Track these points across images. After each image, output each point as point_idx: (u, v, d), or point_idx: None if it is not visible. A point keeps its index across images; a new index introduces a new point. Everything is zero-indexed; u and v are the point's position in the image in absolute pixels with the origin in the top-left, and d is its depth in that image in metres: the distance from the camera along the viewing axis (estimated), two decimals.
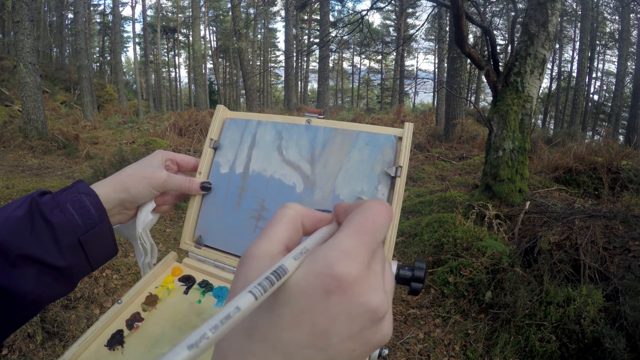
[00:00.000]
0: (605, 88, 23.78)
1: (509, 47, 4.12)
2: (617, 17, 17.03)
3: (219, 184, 0.64)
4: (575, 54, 18.94)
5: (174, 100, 33.10)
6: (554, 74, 21.88)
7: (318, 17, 20.63)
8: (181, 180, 0.59)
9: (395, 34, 27.47)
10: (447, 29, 11.18)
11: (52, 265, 0.43)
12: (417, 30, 13.92)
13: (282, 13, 26.97)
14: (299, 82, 31.87)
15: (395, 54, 25.06)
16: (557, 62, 21.74)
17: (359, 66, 37.33)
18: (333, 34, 11.09)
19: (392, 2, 12.67)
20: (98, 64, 30.25)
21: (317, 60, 19.47)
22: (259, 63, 32.80)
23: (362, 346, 0.22)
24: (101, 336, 0.53)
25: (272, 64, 36.98)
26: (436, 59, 21.07)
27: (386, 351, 0.43)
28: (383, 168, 0.56)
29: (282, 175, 0.61)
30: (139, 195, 0.54)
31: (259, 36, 33.00)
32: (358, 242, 0.22)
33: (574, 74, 17.74)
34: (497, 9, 17.44)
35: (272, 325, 0.21)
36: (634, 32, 14.57)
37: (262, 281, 0.19)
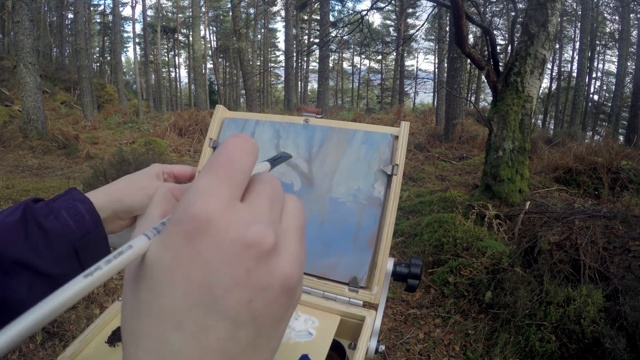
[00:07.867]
0: (605, 88, 23.75)
1: (509, 47, 4.13)
2: (617, 17, 17.02)
3: None
4: (575, 54, 18.96)
5: (174, 100, 33.08)
6: (554, 74, 21.87)
7: (318, 17, 20.61)
8: None
9: (395, 34, 27.46)
10: (447, 29, 11.18)
11: (46, 273, 0.42)
12: (417, 30, 13.95)
13: (282, 13, 26.98)
14: (299, 82, 31.85)
15: (395, 54, 25.05)
16: (557, 62, 21.72)
17: (359, 66, 37.31)
18: (333, 34, 11.10)
19: (392, 2, 12.68)
20: (98, 64, 30.24)
21: (317, 60, 19.47)
22: (259, 63, 32.79)
23: (258, 293, 0.18)
24: (102, 333, 0.53)
25: (272, 64, 36.98)
26: (436, 59, 21.06)
27: (383, 347, 0.43)
28: (380, 166, 0.56)
29: (279, 174, 0.61)
30: (134, 206, 0.52)
31: (259, 36, 32.99)
32: (212, 178, 0.20)
33: (574, 74, 17.74)
34: (497, 9, 17.45)
35: (152, 295, 0.18)
36: (634, 32, 14.58)
37: (157, 225, 0.20)
